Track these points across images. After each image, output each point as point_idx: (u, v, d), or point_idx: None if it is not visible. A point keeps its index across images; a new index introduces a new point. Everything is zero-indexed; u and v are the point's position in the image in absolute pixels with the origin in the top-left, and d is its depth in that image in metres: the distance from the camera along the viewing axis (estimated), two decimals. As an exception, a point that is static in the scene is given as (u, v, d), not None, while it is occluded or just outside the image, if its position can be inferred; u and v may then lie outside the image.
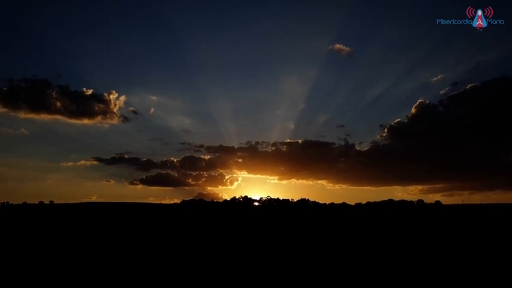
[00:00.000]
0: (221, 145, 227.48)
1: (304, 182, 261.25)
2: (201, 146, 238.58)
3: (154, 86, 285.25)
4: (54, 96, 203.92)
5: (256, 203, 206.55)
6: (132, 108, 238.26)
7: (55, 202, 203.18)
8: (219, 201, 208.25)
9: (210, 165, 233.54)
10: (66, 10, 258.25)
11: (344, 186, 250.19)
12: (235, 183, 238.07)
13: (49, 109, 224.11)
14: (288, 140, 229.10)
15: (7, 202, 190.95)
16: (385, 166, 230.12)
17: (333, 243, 26.37)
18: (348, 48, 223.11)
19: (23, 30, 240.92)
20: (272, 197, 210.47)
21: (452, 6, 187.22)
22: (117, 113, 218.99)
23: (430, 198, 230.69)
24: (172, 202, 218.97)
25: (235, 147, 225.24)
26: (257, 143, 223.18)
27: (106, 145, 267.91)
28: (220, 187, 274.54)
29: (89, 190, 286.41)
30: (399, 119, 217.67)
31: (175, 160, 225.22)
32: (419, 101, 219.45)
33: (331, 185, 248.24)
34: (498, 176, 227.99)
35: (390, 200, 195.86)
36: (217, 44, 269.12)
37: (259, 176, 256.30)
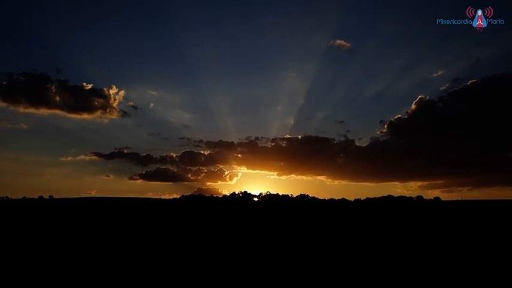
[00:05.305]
0: (221, 140, 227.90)
1: (304, 177, 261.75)
2: (201, 141, 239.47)
3: (154, 81, 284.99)
4: (53, 90, 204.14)
5: (256, 199, 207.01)
6: (132, 103, 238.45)
7: (54, 197, 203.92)
8: (218, 197, 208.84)
9: (210, 160, 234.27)
10: (66, 4, 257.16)
11: (343, 182, 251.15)
12: (235, 179, 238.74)
13: (48, 103, 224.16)
14: (288, 136, 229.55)
15: (6, 197, 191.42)
16: (384, 162, 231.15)
17: (332, 239, 26.40)
18: (348, 44, 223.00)
19: (22, 24, 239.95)
20: (271, 193, 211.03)
21: (452, 6, 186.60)
22: (116, 108, 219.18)
23: (429, 194, 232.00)
24: (171, 197, 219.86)
25: (235, 142, 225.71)
26: (257, 138, 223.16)
27: (105, 140, 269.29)
28: (219, 182, 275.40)
29: (88, 185, 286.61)
30: (399, 115, 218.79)
31: (174, 155, 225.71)
32: (419, 97, 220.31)
33: (330, 180, 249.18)
34: (497, 172, 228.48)
35: (389, 196, 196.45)
36: (217, 39, 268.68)
37: (259, 171, 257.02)
